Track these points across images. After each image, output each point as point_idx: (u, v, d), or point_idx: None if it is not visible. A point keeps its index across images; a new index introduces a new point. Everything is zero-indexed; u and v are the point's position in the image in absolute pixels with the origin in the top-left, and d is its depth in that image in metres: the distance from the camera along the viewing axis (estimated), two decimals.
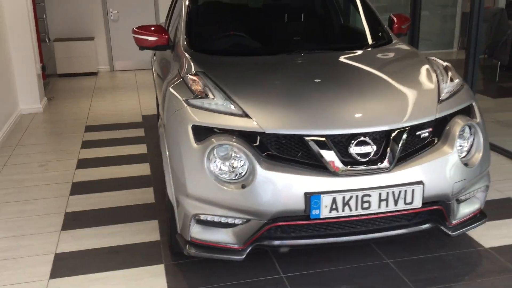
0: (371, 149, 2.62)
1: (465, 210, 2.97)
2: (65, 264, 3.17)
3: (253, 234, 2.67)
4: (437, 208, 2.78)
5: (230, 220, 2.69)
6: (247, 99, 2.81)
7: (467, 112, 2.99)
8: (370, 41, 3.86)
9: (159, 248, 3.32)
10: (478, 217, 3.04)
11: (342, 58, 3.48)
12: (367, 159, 2.62)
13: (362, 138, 2.62)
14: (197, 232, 2.78)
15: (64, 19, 9.40)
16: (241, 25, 4.02)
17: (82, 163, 4.90)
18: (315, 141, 2.61)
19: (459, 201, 2.92)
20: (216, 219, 2.71)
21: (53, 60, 9.11)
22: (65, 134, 5.85)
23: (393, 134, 2.66)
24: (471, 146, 2.90)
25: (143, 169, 4.69)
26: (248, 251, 2.72)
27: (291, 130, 2.63)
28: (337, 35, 4.08)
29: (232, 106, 2.76)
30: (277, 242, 2.74)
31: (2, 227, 3.66)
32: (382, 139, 2.67)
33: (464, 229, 2.95)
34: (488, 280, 2.91)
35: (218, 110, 2.76)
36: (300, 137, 2.62)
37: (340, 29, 4.22)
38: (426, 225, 2.86)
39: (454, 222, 2.90)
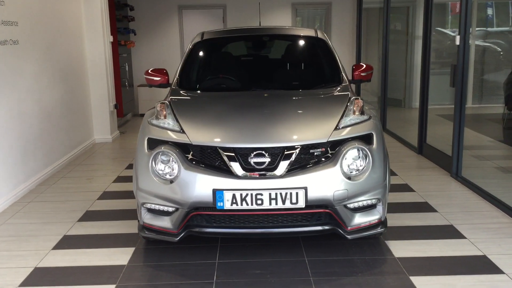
0: (265, 160, 3.43)
1: (362, 219, 3.60)
2: (67, 242, 4.23)
3: (181, 220, 3.55)
4: (327, 211, 3.47)
5: (165, 208, 3.59)
6: (187, 120, 3.75)
7: (368, 140, 3.67)
8: (320, 83, 4.65)
9: (138, 237, 4.28)
10: (376, 226, 3.65)
11: (282, 94, 4.34)
12: (262, 167, 3.43)
13: (259, 152, 3.44)
14: (148, 218, 3.72)
15: (148, 68, 10.99)
16: (222, 70, 5.00)
17: (119, 179, 6.06)
18: (225, 152, 3.47)
19: (353, 210, 3.57)
20: (157, 207, 3.62)
21: (135, 102, 10.70)
22: (118, 159, 7.12)
23: (286, 151, 3.45)
24: (364, 165, 3.56)
25: None
26: (182, 235, 3.59)
27: (208, 142, 3.53)
28: (295, 78, 4.88)
29: (176, 126, 3.71)
30: (206, 230, 3.58)
31: (37, 216, 4.84)
32: (279, 153, 3.47)
33: (360, 234, 3.60)
34: (376, 277, 3.49)
35: (167, 128, 3.73)
36: (215, 148, 3.50)
37: (301, 74, 5.04)
38: (325, 227, 3.55)
39: (350, 227, 3.56)
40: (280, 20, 10.82)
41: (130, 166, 6.63)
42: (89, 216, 4.83)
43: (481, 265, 3.65)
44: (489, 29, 10.82)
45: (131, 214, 4.79)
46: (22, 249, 4.10)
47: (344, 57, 10.47)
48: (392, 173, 5.92)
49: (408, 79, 10.49)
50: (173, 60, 11.01)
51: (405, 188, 5.43)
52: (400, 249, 3.91)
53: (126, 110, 9.92)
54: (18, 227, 4.58)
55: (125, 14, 10.07)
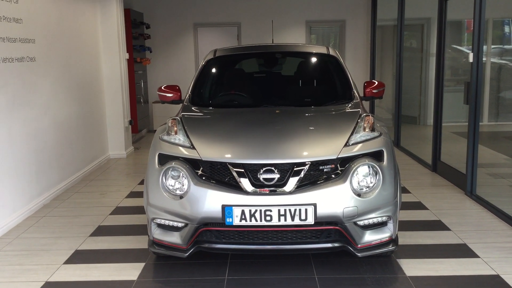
0: (275, 176, 3.43)
1: (372, 236, 3.57)
2: (78, 256, 4.25)
3: (191, 236, 3.55)
4: (336, 228, 3.45)
5: (175, 224, 3.60)
6: (198, 136, 3.77)
7: (379, 156, 3.65)
8: (332, 100, 4.65)
9: (149, 253, 4.28)
10: (387, 244, 3.61)
11: (293, 111, 4.34)
12: (272, 183, 3.43)
13: (269, 168, 3.44)
14: (158, 234, 3.73)
15: (162, 85, 11.10)
16: (234, 87, 5.03)
17: (132, 194, 6.09)
18: (234, 168, 3.48)
19: (363, 227, 3.54)
20: (166, 222, 3.63)
21: (150, 118, 10.80)
22: (132, 174, 7.17)
23: (295, 167, 3.45)
24: (375, 182, 3.54)
25: None
26: (191, 250, 3.58)
27: (218, 158, 3.54)
28: (306, 95, 4.88)
29: (186, 141, 3.73)
30: (215, 246, 3.57)
31: (49, 231, 4.88)
32: (288, 169, 3.47)
33: (371, 252, 3.56)
34: None
35: (178, 143, 3.75)
36: (225, 164, 3.51)
37: (312, 90, 5.04)
38: (335, 244, 3.52)
39: (360, 245, 3.53)
40: (294, 37, 10.87)
41: (143, 182, 6.64)
42: (101, 231, 4.85)
43: (494, 284, 3.59)
44: (505, 46, 10.76)
45: (142, 230, 4.81)
46: (34, 263, 4.13)
47: (358, 74, 10.47)
48: (406, 191, 5.87)
49: (423, 96, 10.45)
50: (188, 77, 11.09)
51: (419, 206, 5.37)
52: (412, 267, 3.86)
53: (141, 126, 10.02)
54: (31, 241, 4.62)
55: (141, 32, 10.20)
